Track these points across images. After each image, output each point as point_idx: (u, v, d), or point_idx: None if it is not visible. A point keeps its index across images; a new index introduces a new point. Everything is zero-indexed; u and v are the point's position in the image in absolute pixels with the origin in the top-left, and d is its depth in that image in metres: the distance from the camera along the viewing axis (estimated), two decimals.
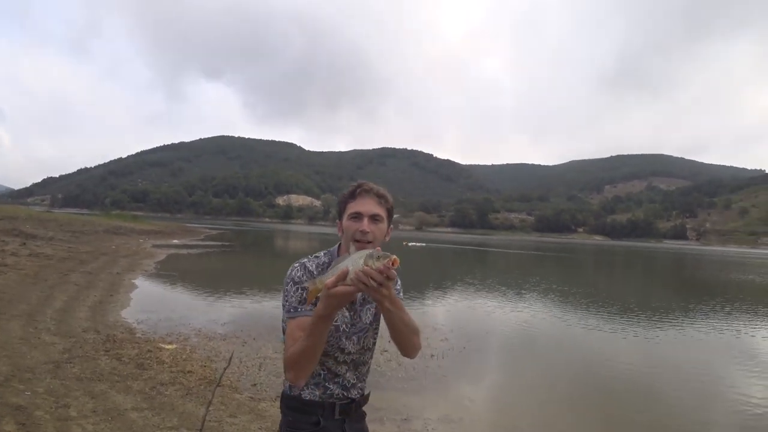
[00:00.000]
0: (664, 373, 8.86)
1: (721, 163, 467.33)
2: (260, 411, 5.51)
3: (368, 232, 1.93)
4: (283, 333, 1.93)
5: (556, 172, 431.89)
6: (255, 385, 6.43)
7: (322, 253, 2.05)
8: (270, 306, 12.45)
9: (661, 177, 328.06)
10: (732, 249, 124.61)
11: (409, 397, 6.29)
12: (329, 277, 1.64)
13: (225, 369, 3.81)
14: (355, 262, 1.63)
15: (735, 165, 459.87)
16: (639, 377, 8.51)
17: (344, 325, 1.97)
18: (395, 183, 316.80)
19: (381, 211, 2.01)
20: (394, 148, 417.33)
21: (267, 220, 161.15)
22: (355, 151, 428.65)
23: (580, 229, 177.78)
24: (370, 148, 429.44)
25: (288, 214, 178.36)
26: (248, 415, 5.34)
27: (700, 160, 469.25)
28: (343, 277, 1.61)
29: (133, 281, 14.51)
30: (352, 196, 1.99)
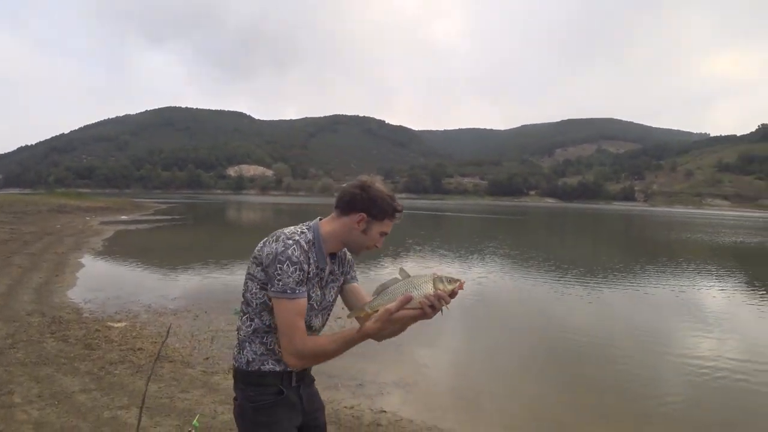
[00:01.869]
0: (617, 331, 9.17)
1: (669, 127, 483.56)
2: (213, 384, 5.46)
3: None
4: (254, 306, 1.96)
5: (509, 136, 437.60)
6: (208, 358, 6.36)
7: (305, 229, 1.99)
8: (223, 279, 12.30)
9: (611, 141, 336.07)
10: (678, 210, 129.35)
11: (364, 363, 6.33)
12: (382, 302, 1.78)
13: (163, 342, 3.75)
14: (417, 286, 1.71)
15: (682, 129, 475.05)
16: (593, 336, 8.75)
17: (316, 304, 2.03)
18: (348, 150, 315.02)
19: None
20: (346, 115, 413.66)
21: (219, 191, 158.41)
22: (306, 119, 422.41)
23: (532, 192, 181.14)
24: (322, 115, 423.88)
25: (240, 184, 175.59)
26: (201, 389, 5.30)
27: (648, 125, 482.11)
28: (406, 302, 1.71)
29: (79, 260, 14.07)
30: (393, 215, 2.04)
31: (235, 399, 2.04)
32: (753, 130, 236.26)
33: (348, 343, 1.87)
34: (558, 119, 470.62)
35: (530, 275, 15.07)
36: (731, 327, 9.82)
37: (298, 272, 1.86)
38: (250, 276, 1.96)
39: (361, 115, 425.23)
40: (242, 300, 2.01)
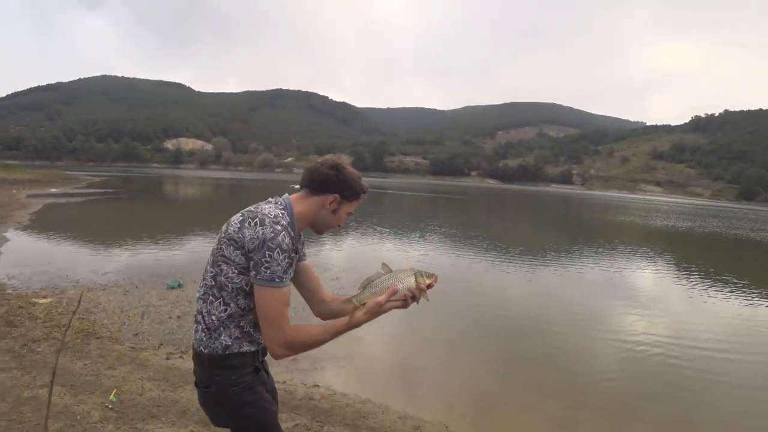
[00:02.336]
0: (553, 310, 9.50)
1: (608, 114, 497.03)
2: (141, 360, 5.34)
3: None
4: (229, 291, 1.90)
5: (451, 117, 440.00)
6: (137, 334, 6.21)
7: (280, 212, 1.92)
8: (156, 254, 11.98)
9: (552, 125, 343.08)
10: (613, 194, 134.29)
11: None
12: (369, 294, 1.89)
13: (74, 312, 3.61)
14: (401, 279, 1.87)
15: (620, 117, 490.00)
16: (531, 314, 9.03)
17: None
18: (289, 126, 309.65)
19: None
20: (289, 90, 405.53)
21: (156, 165, 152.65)
22: (247, 92, 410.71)
23: (474, 173, 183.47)
24: (264, 89, 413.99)
25: (178, 158, 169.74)
26: (128, 365, 5.17)
27: (588, 111, 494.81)
28: (393, 294, 1.86)
29: (3, 234, 13.39)
30: (360, 196, 2.08)
31: (207, 387, 1.96)
32: (686, 121, 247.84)
33: (338, 333, 1.90)
34: (501, 102, 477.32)
35: (470, 254, 15.35)
36: (661, 307, 10.39)
37: (287, 260, 1.84)
38: (224, 259, 1.88)
39: (304, 90, 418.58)
40: (210, 283, 1.93)
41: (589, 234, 26.62)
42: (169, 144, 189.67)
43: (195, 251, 12.61)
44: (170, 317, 6.96)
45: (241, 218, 1.88)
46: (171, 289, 8.46)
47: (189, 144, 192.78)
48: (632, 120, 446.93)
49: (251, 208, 1.92)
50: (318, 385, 5.15)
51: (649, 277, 13.74)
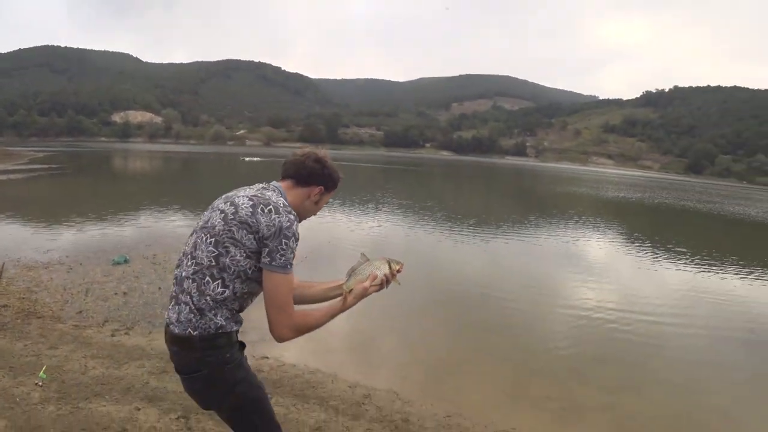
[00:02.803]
0: (507, 280, 9.67)
1: (562, 88, 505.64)
2: (85, 339, 5.19)
3: None
4: (231, 273, 1.93)
5: (406, 88, 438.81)
6: (81, 312, 6.02)
7: (283, 201, 2.01)
8: (101, 230, 11.58)
9: (506, 97, 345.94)
10: (566, 166, 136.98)
11: (247, 312, 6.22)
12: (355, 281, 2.12)
13: None
14: (378, 267, 2.17)
15: (573, 90, 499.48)
16: (484, 285, 9.14)
17: None
18: (241, 97, 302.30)
19: None
20: (241, 60, 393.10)
21: (103, 139, 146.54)
22: (197, 63, 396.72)
23: (428, 145, 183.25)
24: (214, 59, 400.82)
25: (126, 132, 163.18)
26: (71, 344, 5.01)
27: (542, 84, 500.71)
28: (374, 280, 2.13)
29: None
30: (336, 186, 2.21)
31: (196, 371, 1.96)
32: (638, 95, 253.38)
33: (334, 315, 2.09)
34: (456, 74, 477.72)
35: (425, 226, 15.44)
36: (611, 276, 10.73)
37: (296, 249, 1.96)
38: (234, 241, 1.91)
39: (256, 60, 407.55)
40: (207, 263, 1.93)
41: (543, 205, 27.15)
42: (117, 117, 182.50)
43: (143, 226, 12.30)
44: (116, 293, 6.78)
45: (251, 203, 1.94)
46: (117, 264, 8.22)
47: (137, 117, 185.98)
48: (585, 94, 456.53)
49: (256, 193, 1.99)
50: (267, 357, 5.11)
51: (600, 247, 14.13)
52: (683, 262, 12.53)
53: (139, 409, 3.82)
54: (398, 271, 2.21)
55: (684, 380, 5.62)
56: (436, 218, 17.25)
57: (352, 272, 2.18)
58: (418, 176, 48.25)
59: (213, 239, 1.93)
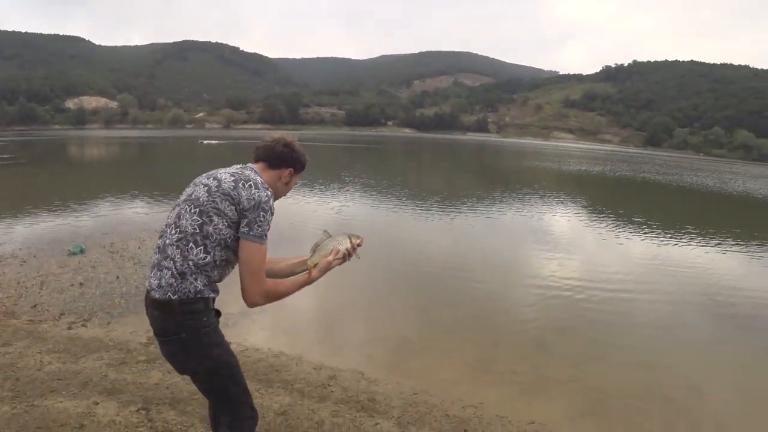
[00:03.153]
0: (472, 256, 9.71)
1: (522, 64, 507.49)
2: (40, 333, 5.02)
3: None
4: (213, 240, 2.11)
5: (366, 66, 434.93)
6: (35, 306, 5.82)
7: (263, 181, 2.24)
8: (56, 220, 11.17)
9: (468, 74, 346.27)
10: (528, 141, 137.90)
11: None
12: (319, 256, 2.36)
13: None
14: (340, 242, 2.39)
15: (534, 66, 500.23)
16: (449, 261, 9.19)
17: None
18: (199, 79, 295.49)
19: None
20: (197, 41, 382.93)
21: (57, 127, 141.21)
22: (153, 44, 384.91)
23: (390, 123, 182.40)
24: (170, 41, 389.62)
25: (81, 118, 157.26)
26: (25, 340, 4.84)
27: (503, 60, 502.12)
28: (336, 254, 2.37)
29: None
30: (304, 168, 2.46)
31: (174, 335, 2.10)
32: (597, 70, 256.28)
33: (301, 286, 2.31)
34: (416, 51, 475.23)
35: (389, 204, 15.42)
36: (575, 249, 10.87)
37: (271, 221, 2.17)
38: (218, 211, 2.11)
39: (213, 41, 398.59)
40: (191, 230, 2.10)
41: (506, 180, 27.41)
42: (71, 103, 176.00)
43: (100, 214, 11.94)
44: (72, 285, 6.57)
45: (233, 179, 2.16)
46: (72, 255, 7.96)
47: (92, 102, 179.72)
48: (546, 69, 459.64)
49: (237, 171, 2.23)
50: (229, 342, 5.02)
51: (564, 221, 14.34)
52: (646, 233, 12.83)
53: (97, 404, 3.72)
54: (358, 245, 2.41)
55: (648, 350, 5.74)
56: (399, 196, 17.24)
57: (315, 248, 2.40)
58: (381, 155, 48.13)
59: (198, 209, 2.12)
